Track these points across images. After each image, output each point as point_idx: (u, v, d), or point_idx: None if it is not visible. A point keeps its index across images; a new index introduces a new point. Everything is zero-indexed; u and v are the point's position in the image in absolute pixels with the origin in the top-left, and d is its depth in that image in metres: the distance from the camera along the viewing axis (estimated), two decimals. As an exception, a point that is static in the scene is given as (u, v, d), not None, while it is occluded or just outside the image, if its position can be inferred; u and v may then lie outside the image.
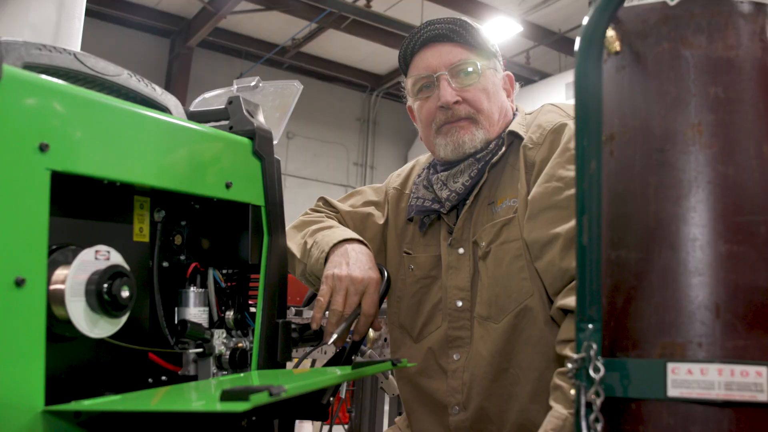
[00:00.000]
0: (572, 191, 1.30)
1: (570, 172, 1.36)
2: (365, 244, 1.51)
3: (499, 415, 1.45)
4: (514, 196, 1.47)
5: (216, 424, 1.08)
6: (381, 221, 1.73)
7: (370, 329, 1.46)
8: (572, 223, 1.29)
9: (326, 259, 1.46)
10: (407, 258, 1.66)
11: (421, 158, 1.82)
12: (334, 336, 1.35)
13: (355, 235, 1.54)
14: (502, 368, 1.45)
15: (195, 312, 1.14)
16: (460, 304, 1.52)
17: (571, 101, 0.82)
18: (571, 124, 1.44)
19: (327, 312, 1.41)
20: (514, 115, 1.62)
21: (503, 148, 1.52)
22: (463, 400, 1.49)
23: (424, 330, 1.59)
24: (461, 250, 1.53)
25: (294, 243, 1.60)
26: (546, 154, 1.45)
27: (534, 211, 1.39)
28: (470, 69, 1.54)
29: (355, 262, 1.43)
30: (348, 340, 1.46)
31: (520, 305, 1.42)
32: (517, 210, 1.45)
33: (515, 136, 1.52)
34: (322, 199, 1.82)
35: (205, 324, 1.16)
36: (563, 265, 1.31)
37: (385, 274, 1.45)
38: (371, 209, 1.76)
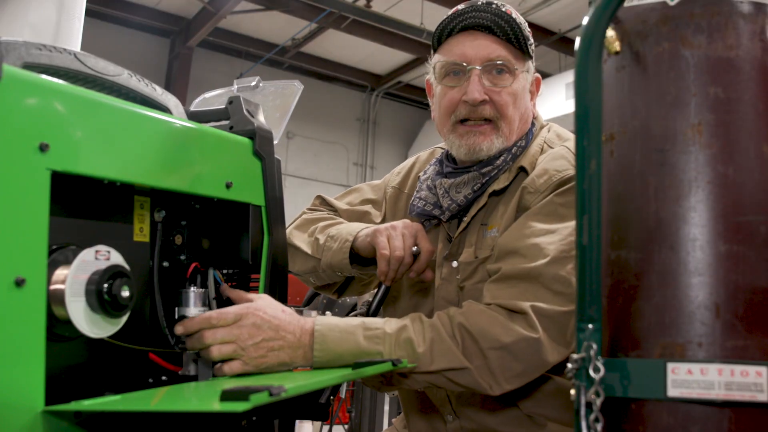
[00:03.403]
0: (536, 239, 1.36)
1: (543, 225, 1.37)
2: None
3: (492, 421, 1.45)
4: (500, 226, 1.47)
5: (216, 424, 1.08)
6: (378, 220, 1.73)
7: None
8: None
9: (352, 246, 1.49)
10: None
11: (421, 155, 1.80)
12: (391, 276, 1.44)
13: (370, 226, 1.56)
14: None
15: (195, 312, 1.14)
16: None
17: (572, 101, 0.82)
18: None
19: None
20: (533, 123, 1.59)
21: (510, 181, 1.49)
22: (452, 409, 1.49)
23: None
24: (454, 264, 1.52)
25: (301, 241, 1.60)
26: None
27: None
28: (505, 70, 1.47)
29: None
30: None
31: None
32: (493, 248, 1.44)
33: (522, 170, 1.49)
34: (319, 197, 1.81)
35: (205, 324, 1.16)
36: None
37: None
38: (368, 207, 1.75)
